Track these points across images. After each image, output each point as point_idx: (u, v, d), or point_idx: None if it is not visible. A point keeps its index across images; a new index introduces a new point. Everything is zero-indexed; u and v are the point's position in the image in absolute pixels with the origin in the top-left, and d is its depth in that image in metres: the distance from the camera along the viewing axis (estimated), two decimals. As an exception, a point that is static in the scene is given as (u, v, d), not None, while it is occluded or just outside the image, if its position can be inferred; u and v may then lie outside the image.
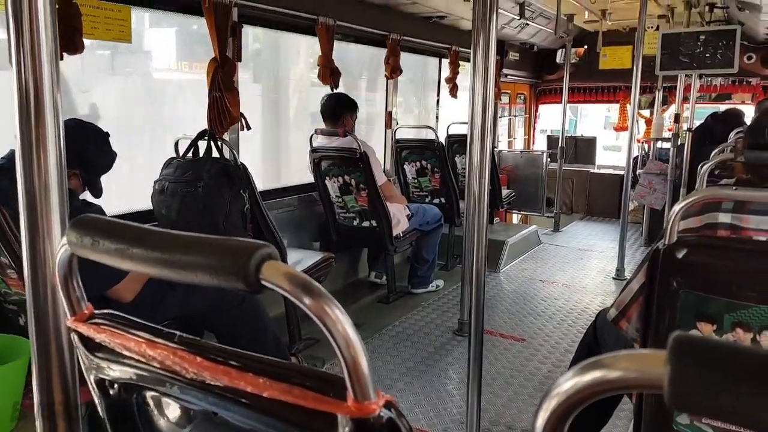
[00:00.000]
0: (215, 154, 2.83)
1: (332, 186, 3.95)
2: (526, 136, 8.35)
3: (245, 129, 3.27)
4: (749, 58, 6.58)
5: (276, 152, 4.62)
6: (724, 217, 1.20)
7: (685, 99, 5.68)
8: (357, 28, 4.38)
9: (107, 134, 2.18)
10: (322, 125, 4.00)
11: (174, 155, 2.93)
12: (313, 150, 3.93)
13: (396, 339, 3.57)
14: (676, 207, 1.21)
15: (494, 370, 3.19)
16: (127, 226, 0.64)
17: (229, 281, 0.57)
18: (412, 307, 4.11)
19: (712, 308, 1.17)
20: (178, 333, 0.65)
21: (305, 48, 4.60)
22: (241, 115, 3.22)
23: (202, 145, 2.89)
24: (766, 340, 1.13)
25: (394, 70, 4.73)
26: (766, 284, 1.12)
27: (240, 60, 3.26)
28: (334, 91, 3.98)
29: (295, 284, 0.57)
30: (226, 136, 3.19)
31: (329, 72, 3.87)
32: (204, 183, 2.66)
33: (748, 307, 1.13)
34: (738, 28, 4.56)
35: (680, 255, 1.19)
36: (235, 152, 2.86)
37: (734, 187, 1.20)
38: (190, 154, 2.88)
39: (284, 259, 2.95)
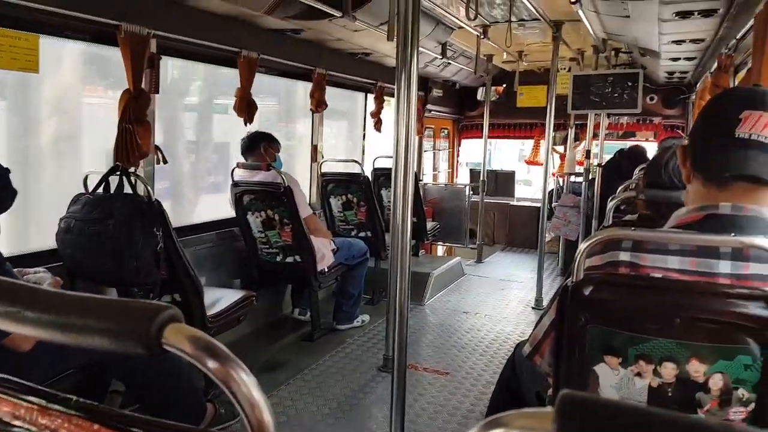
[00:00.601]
0: (127, 189, 2.72)
1: (254, 221, 3.89)
2: (450, 170, 8.57)
3: (161, 163, 3.18)
4: (651, 99, 7.07)
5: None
6: (624, 256, 1.27)
7: (595, 136, 6.01)
8: (282, 62, 4.39)
9: (7, 170, 2.05)
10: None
11: (83, 191, 2.79)
12: (235, 184, 3.87)
13: (320, 378, 3.52)
14: (581, 246, 1.27)
15: (418, 406, 3.20)
16: (19, 286, 0.61)
17: (129, 346, 0.55)
18: (337, 344, 4.07)
19: (617, 342, 1.23)
20: (74, 398, 0.62)
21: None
22: (157, 147, 3.14)
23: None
24: (666, 371, 1.19)
25: (319, 103, 4.77)
26: (662, 318, 1.19)
27: (157, 92, 3.20)
28: (248, 125, 3.96)
29: (199, 347, 0.55)
30: (140, 171, 3.09)
31: (245, 104, 3.84)
32: (114, 221, 2.54)
33: (649, 340, 1.19)
34: (640, 72, 4.91)
35: (586, 292, 1.25)
36: (149, 188, 2.76)
37: (632, 228, 1.27)
38: (100, 190, 2.75)
39: (201, 300, 2.89)
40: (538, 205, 5.93)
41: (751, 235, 1.14)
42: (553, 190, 7.03)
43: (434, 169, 8.15)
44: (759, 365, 1.11)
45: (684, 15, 3.41)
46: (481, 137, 7.21)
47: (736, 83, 4.05)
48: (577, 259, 1.27)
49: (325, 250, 4.05)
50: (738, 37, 3.25)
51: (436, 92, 7.18)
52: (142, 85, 3.04)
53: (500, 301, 5.36)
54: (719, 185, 1.22)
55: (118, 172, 2.75)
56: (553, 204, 6.31)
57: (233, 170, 3.90)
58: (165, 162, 3.29)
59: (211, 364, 0.55)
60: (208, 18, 3.54)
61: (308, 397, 3.26)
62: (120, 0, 2.95)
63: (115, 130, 2.98)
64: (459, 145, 8.60)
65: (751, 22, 2.73)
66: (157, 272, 2.74)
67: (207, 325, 2.99)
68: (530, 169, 8.77)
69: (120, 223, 2.59)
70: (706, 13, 3.37)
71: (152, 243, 2.68)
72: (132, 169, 2.93)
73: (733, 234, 1.13)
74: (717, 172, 1.22)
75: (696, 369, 1.16)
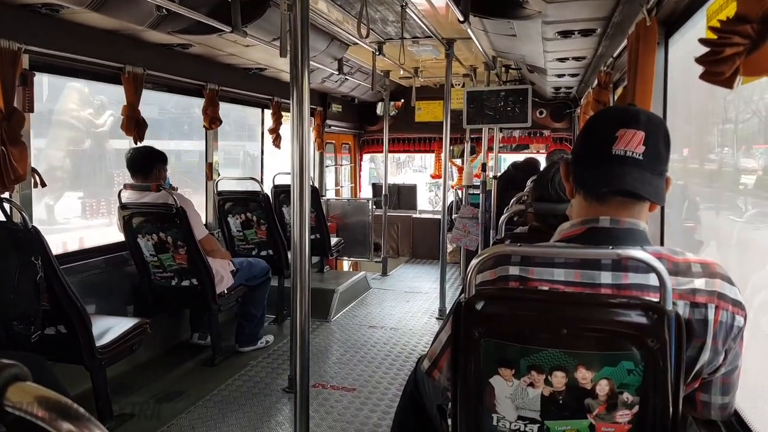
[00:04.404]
0: (0, 217, 2.51)
1: (146, 244, 3.69)
2: (353, 185, 8.59)
3: (39, 186, 2.96)
4: (541, 113, 7.45)
5: None
6: (513, 270, 1.30)
7: (490, 149, 6.24)
8: (171, 77, 4.22)
9: None
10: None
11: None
12: (123, 206, 3.66)
13: (222, 404, 3.38)
14: (473, 262, 1.29)
15: (325, 424, 3.15)
16: None
17: (-37, 410, 0.48)
18: (239, 368, 3.93)
19: (510, 354, 1.25)
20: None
21: None
22: (34, 170, 2.91)
23: None
24: (557, 380, 1.23)
25: (212, 120, 4.62)
26: (550, 329, 1.22)
27: (32, 111, 2.97)
28: (139, 144, 3.76)
29: (49, 408, 0.49)
30: (15, 197, 2.85)
31: (134, 123, 3.66)
32: (-15, 252, 2.34)
33: (539, 351, 1.23)
34: (529, 87, 5.14)
35: (479, 307, 1.27)
36: (25, 214, 2.55)
37: (519, 244, 1.30)
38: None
39: (88, 330, 2.71)
40: (439, 217, 6.06)
41: (629, 246, 1.21)
42: (453, 202, 7.21)
43: (337, 184, 8.14)
44: (641, 370, 1.17)
45: (565, 34, 3.62)
46: (382, 152, 7.30)
47: (616, 98, 4.33)
48: (469, 274, 1.28)
49: (223, 271, 3.92)
50: (614, 55, 3.48)
51: (336, 107, 7.19)
52: (15, 104, 2.81)
53: (406, 314, 5.41)
54: (599, 200, 1.28)
55: (-12, 199, 2.54)
56: (454, 216, 6.47)
57: (120, 192, 3.68)
58: (44, 185, 3.06)
59: (65, 426, 0.50)
60: (87, 32, 3.34)
61: (210, 425, 3.12)
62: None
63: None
64: (361, 159, 8.66)
65: (625, 42, 2.94)
66: (37, 303, 2.56)
67: (96, 356, 2.81)
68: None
69: (-8, 254, 2.39)
70: (585, 33, 3.60)
71: (31, 273, 2.51)
72: (6, 195, 2.71)
73: (611, 247, 1.19)
74: (596, 187, 1.28)
75: (583, 376, 1.20)
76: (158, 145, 3.93)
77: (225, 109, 4.81)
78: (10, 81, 2.74)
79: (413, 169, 15.65)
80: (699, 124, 2.86)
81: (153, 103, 4.81)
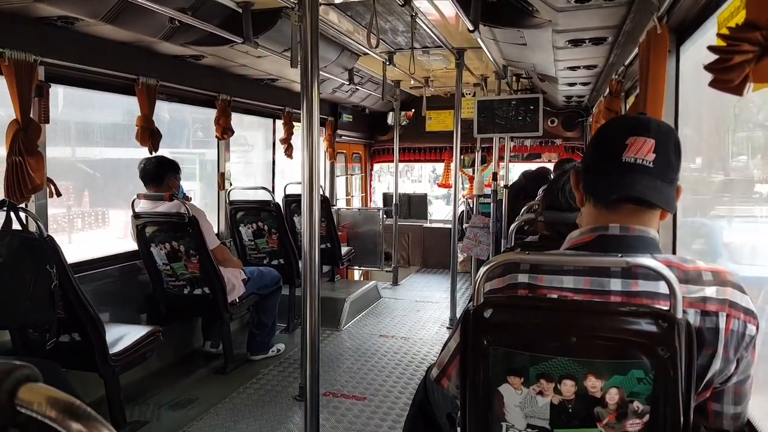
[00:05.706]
0: (16, 226, 2.54)
1: (158, 253, 3.72)
2: (363, 194, 8.61)
3: (54, 196, 2.99)
4: (552, 122, 7.43)
5: None
6: (522, 277, 1.30)
7: (501, 158, 6.22)
8: (183, 88, 4.26)
9: None
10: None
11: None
12: (136, 216, 3.70)
13: (233, 412, 3.39)
14: (481, 270, 1.29)
15: (336, 434, 3.15)
16: None
17: (-24, 411, 0.50)
18: (251, 376, 3.94)
19: (519, 362, 1.25)
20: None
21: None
22: (50, 180, 2.96)
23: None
24: (566, 388, 1.22)
25: (225, 130, 4.66)
26: (560, 338, 1.22)
27: (47, 122, 3.02)
28: (154, 154, 3.80)
29: (59, 409, 0.50)
30: (31, 206, 2.89)
31: (148, 133, 3.70)
32: (2, 260, 2.37)
33: (548, 359, 1.22)
34: (540, 96, 5.13)
35: (487, 315, 1.27)
36: (40, 223, 2.59)
37: (527, 252, 1.30)
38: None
39: (102, 338, 2.73)
40: (450, 226, 6.04)
41: (638, 253, 1.20)
42: (464, 211, 7.20)
43: (347, 193, 8.16)
44: (651, 378, 1.16)
45: (576, 43, 3.62)
46: (392, 161, 7.31)
47: (628, 106, 4.30)
48: (477, 282, 1.28)
49: (235, 280, 3.94)
50: (626, 63, 3.47)
51: (346, 117, 7.22)
52: (31, 115, 2.86)
53: (416, 323, 5.39)
54: (608, 207, 1.28)
55: (5, 208, 2.57)
56: (464, 225, 6.46)
57: (133, 201, 3.72)
58: (59, 195, 3.11)
59: (75, 426, 0.50)
60: (101, 44, 3.39)
61: (221, 433, 3.13)
62: (2, 26, 2.77)
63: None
64: (371, 169, 8.68)
65: (636, 50, 2.93)
66: (52, 311, 2.59)
67: (110, 363, 2.83)
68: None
69: (9, 262, 2.43)
70: (596, 41, 3.59)
71: (45, 281, 2.54)
72: (23, 204, 2.76)
73: (620, 255, 1.19)
74: (606, 195, 1.28)
75: (593, 384, 1.20)
76: (114, 153, 3.91)
77: (194, 111, 4.75)
78: (26, 92, 2.79)
79: (411, 179, 15.53)
80: (712, 130, 2.84)
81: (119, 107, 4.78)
